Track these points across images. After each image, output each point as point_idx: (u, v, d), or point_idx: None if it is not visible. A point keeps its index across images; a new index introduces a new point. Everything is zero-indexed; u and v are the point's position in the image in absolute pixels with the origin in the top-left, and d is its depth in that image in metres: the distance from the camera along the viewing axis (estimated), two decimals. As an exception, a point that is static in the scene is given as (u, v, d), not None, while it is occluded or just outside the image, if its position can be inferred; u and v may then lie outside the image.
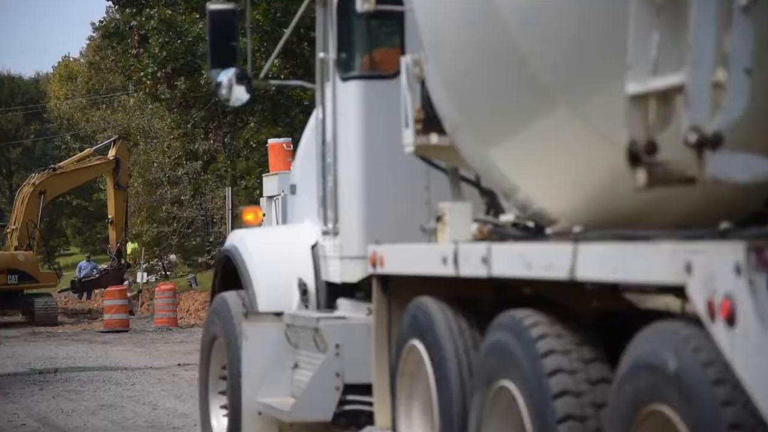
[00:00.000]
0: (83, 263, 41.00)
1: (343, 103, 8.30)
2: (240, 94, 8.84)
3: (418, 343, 6.52)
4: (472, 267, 5.74)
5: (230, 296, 9.39)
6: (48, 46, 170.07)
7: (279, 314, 8.73)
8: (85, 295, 40.63)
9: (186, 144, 35.66)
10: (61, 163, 37.05)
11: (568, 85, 5.06)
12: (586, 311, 5.47)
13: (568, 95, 5.07)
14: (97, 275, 37.00)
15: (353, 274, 8.16)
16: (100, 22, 40.00)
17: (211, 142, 35.37)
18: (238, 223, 41.42)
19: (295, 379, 8.52)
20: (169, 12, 32.44)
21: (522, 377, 5.21)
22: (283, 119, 31.91)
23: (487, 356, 5.65)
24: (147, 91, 34.01)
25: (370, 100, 8.14)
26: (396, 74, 7.56)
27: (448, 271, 6.02)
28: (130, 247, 41.40)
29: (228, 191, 32.05)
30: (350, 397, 7.95)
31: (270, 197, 20.60)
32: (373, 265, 7.03)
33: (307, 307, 8.73)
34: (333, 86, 8.40)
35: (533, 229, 6.01)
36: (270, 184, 20.89)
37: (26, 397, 16.21)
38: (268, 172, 21.80)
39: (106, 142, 37.72)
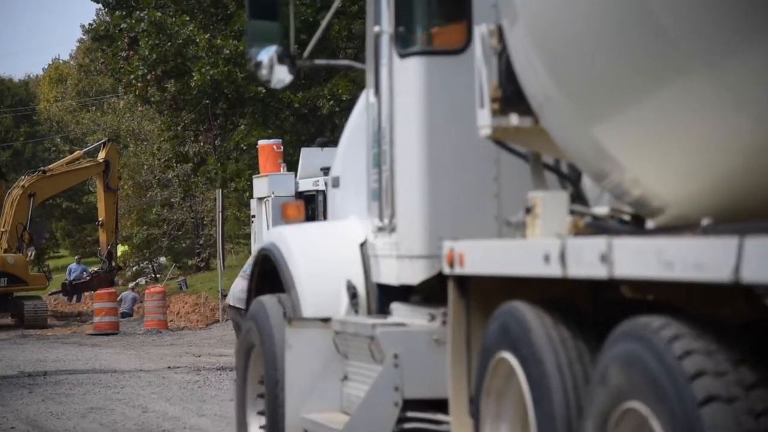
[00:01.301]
0: (73, 266, 40.92)
1: (402, 83, 7.32)
2: (282, 75, 8.03)
3: (509, 356, 5.60)
4: (586, 266, 4.84)
5: (269, 300, 8.42)
6: (38, 48, 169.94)
7: (326, 320, 7.77)
8: (75, 297, 40.58)
9: (176, 146, 35.60)
10: (50, 166, 36.99)
11: (710, 46, 4.26)
12: (731, 319, 4.62)
13: (709, 59, 4.28)
14: (88, 278, 36.94)
15: (413, 275, 7.20)
16: (90, 24, 39.95)
17: (201, 144, 35.33)
18: (228, 225, 41.49)
19: (345, 392, 7.67)
20: (159, 14, 32.40)
21: (660, 401, 4.31)
22: (273, 122, 31.88)
23: (608, 372, 4.70)
24: (137, 93, 33.96)
25: (432, 78, 7.15)
26: (461, 49, 7.02)
27: (551, 271, 5.08)
28: (121, 249, 41.34)
29: (218, 193, 32.01)
30: (411, 414, 7.03)
31: (260, 198, 20.67)
32: (450, 264, 6.08)
33: (357, 312, 7.82)
34: (389, 64, 7.44)
35: (634, 221, 5.34)
36: (260, 185, 20.97)
37: (15, 400, 16.15)
38: (258, 174, 21.89)
39: (95, 145, 37.67)
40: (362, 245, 7.94)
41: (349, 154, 8.56)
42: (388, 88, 7.43)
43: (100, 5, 37.19)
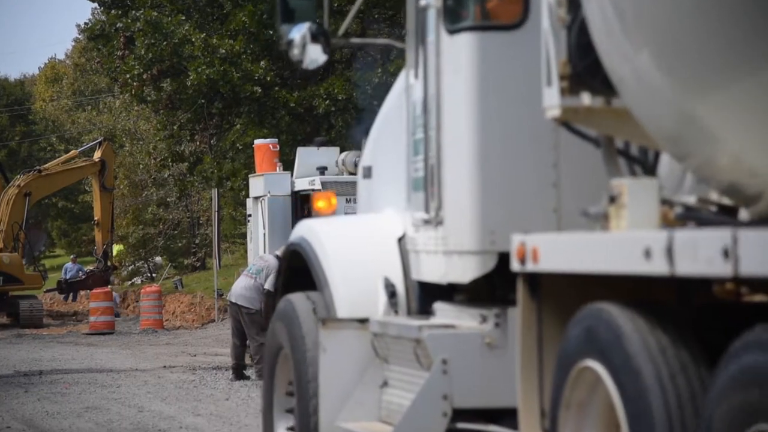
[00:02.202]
0: (69, 265, 40.90)
1: (450, 62, 6.61)
2: (315, 54, 7.42)
3: (595, 365, 4.97)
4: (702, 263, 4.25)
5: (298, 299, 7.77)
6: (33, 48, 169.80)
7: (363, 321, 7.18)
8: (70, 296, 40.56)
9: (172, 146, 35.54)
10: (46, 165, 36.96)
11: None
12: None
13: None
14: (83, 276, 36.92)
15: (463, 273, 6.49)
16: (86, 23, 39.91)
17: (197, 143, 35.29)
18: (224, 224, 41.49)
19: (384, 400, 7.08)
20: (155, 14, 32.36)
21: None
22: (269, 121, 31.87)
23: (732, 388, 4.14)
24: (133, 92, 33.89)
25: (485, 56, 6.43)
26: (517, 24, 6.45)
27: (653, 268, 4.48)
28: (116, 249, 41.31)
29: (214, 193, 32.01)
30: (461, 426, 6.46)
31: (256, 198, 20.67)
32: (521, 260, 5.46)
33: (396, 312, 7.19)
34: (437, 41, 6.72)
35: (724, 211, 4.88)
36: (256, 184, 20.97)
37: (11, 399, 16.15)
38: (254, 173, 21.88)
39: (91, 144, 37.64)
40: (400, 240, 7.33)
41: (382, 142, 7.91)
42: (435, 68, 6.72)
43: (95, 4, 37.15)
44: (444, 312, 6.81)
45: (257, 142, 22.02)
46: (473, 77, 6.47)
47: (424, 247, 6.93)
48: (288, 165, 20.51)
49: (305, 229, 8.06)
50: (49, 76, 74.83)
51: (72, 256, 44.15)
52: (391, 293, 7.20)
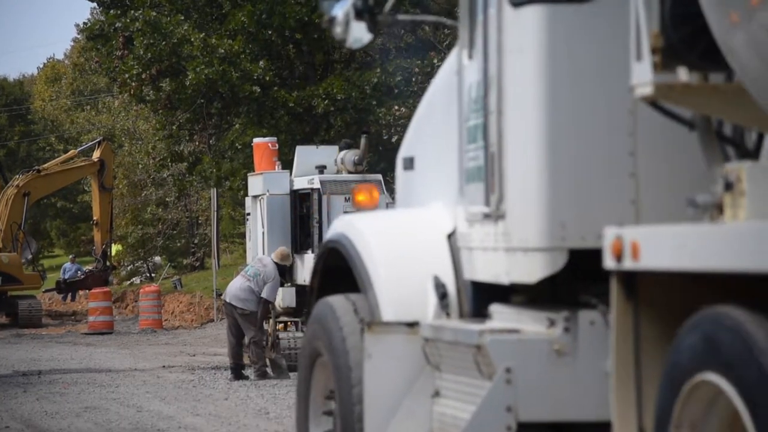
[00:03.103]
0: (67, 265, 40.89)
1: (514, 39, 5.93)
2: (359, 33, 6.82)
3: (717, 379, 4.39)
4: None
5: (338, 302, 7.09)
6: (32, 47, 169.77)
7: (412, 324, 6.53)
8: (69, 296, 40.55)
9: (171, 145, 35.53)
10: (45, 165, 36.95)
11: None
12: None
13: None
14: (82, 276, 36.94)
15: (529, 272, 5.82)
16: (85, 23, 39.88)
17: (196, 143, 35.28)
18: (222, 224, 41.50)
19: (436, 411, 6.44)
20: (154, 14, 32.35)
21: None
22: (268, 121, 31.86)
23: None
24: (131, 92, 33.88)
25: (555, 31, 5.76)
26: None
27: None
28: (115, 248, 41.31)
29: (213, 193, 32.02)
30: None
31: (255, 196, 20.66)
32: (617, 257, 4.90)
33: (448, 315, 6.56)
34: (498, 16, 6.06)
35: None
36: (255, 183, 20.96)
37: (9, 399, 16.13)
38: (253, 172, 21.87)
39: (90, 144, 37.62)
40: (450, 236, 6.70)
41: (426, 131, 7.25)
42: (496, 46, 6.04)
43: (94, 4, 37.13)
44: (502, 315, 6.16)
45: (256, 140, 22.00)
46: (541, 55, 5.77)
47: (480, 244, 6.25)
48: (287, 165, 20.50)
49: (345, 225, 7.31)
50: (48, 75, 74.82)
51: (71, 256, 44.13)
52: (442, 294, 6.55)
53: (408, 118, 27.69)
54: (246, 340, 17.89)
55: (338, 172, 19.45)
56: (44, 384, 17.94)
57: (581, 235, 5.58)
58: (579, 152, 5.77)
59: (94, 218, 35.45)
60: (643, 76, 4.93)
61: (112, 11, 34.72)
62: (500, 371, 5.75)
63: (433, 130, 7.12)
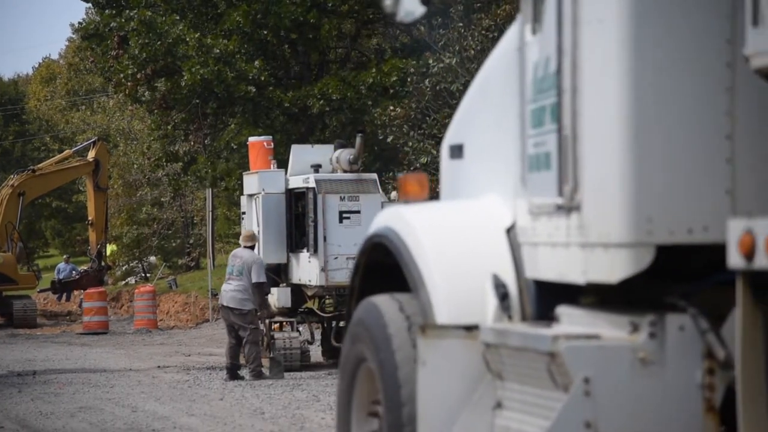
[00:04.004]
0: (62, 265, 40.85)
1: (594, 7, 5.30)
2: (411, 6, 6.43)
3: None
4: None
5: (384, 302, 6.43)
6: (27, 47, 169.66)
7: (471, 328, 5.93)
8: (64, 296, 40.52)
9: (166, 145, 35.53)
10: (40, 165, 36.91)
11: None
12: None
13: None
14: (77, 276, 36.91)
15: (611, 270, 5.18)
16: (80, 23, 39.83)
17: (192, 143, 35.27)
18: (218, 224, 41.46)
19: (498, 425, 5.86)
20: (149, 13, 32.33)
21: None
22: (263, 121, 31.85)
23: None
24: (127, 92, 33.87)
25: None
26: None
27: None
28: (110, 248, 41.27)
29: (208, 192, 31.97)
30: None
31: (250, 195, 20.64)
32: (747, 255, 4.37)
33: (510, 317, 5.95)
34: None
35: None
36: (250, 182, 20.94)
37: (4, 399, 16.11)
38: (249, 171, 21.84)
39: (85, 144, 37.59)
40: (509, 230, 6.09)
41: (478, 116, 6.61)
42: (570, 18, 5.40)
43: (89, 4, 37.10)
44: (572, 318, 5.53)
45: (251, 139, 21.98)
46: (624, 26, 5.08)
47: (547, 239, 5.63)
48: (282, 165, 20.48)
49: (392, 218, 6.57)
50: (43, 75, 74.77)
51: (65, 256, 44.07)
52: (503, 295, 5.93)
53: (403, 118, 27.76)
54: (244, 340, 17.89)
55: (333, 171, 19.43)
56: (39, 384, 17.91)
57: (670, 229, 4.99)
58: (668, 135, 5.11)
59: (89, 218, 35.41)
60: (761, 44, 4.31)
61: (107, 11, 34.69)
62: (578, 382, 5.12)
63: (486, 114, 6.45)
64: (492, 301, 5.94)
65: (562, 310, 5.58)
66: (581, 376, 5.10)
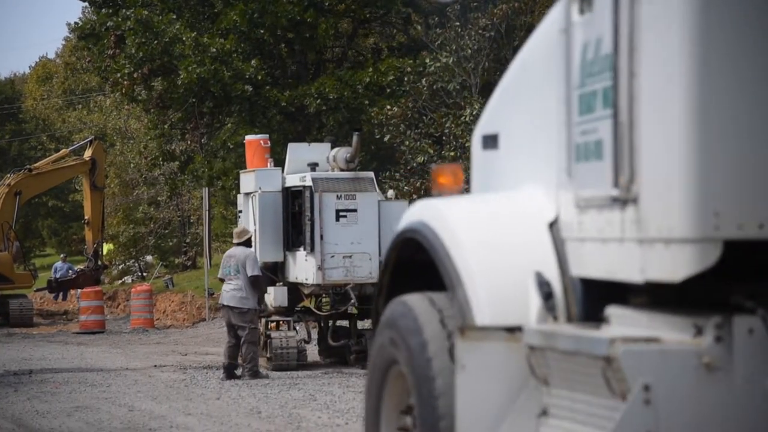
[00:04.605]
0: (59, 264, 40.82)
1: None
2: None
3: None
4: None
5: (417, 302, 6.01)
6: (23, 46, 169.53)
7: (513, 330, 5.53)
8: (60, 295, 40.48)
9: (163, 145, 35.53)
10: (36, 164, 36.88)
11: None
12: None
13: None
14: (74, 275, 36.89)
15: (674, 267, 4.73)
16: (76, 22, 39.82)
17: (188, 142, 35.27)
18: (214, 223, 41.45)
19: None
20: (146, 12, 32.33)
21: None
22: (260, 120, 31.83)
23: None
24: (123, 91, 33.87)
25: None
26: None
27: None
28: (106, 247, 41.25)
29: (205, 192, 31.95)
30: None
31: (247, 194, 20.62)
32: None
33: (555, 318, 5.53)
34: None
35: None
36: (247, 180, 20.91)
37: (0, 398, 16.08)
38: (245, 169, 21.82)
39: (82, 143, 37.56)
40: (552, 225, 5.69)
41: (515, 103, 6.18)
42: None
43: (86, 3, 37.09)
44: (624, 319, 5.11)
45: (248, 137, 21.95)
46: (691, 1, 4.63)
47: (597, 234, 5.22)
48: (279, 164, 20.46)
49: (426, 211, 6.14)
50: (39, 74, 74.75)
51: (62, 255, 44.05)
52: (547, 294, 5.52)
53: (400, 117, 27.77)
54: (241, 339, 17.87)
55: (330, 169, 19.41)
56: (35, 383, 17.88)
57: (738, 223, 4.56)
58: (738, 121, 4.64)
59: (86, 217, 35.39)
60: None
61: (103, 10, 34.69)
62: (637, 389, 4.71)
63: (524, 102, 6.03)
64: (535, 301, 5.53)
65: (613, 311, 5.17)
66: (640, 382, 4.70)
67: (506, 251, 5.69)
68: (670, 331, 4.83)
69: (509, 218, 5.82)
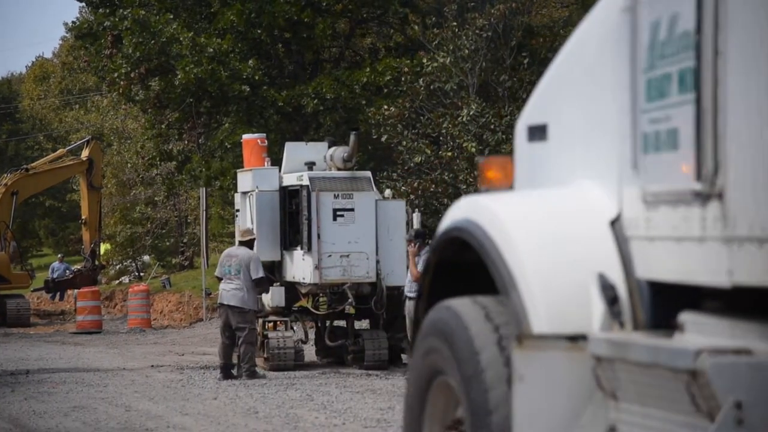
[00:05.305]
0: (56, 264, 40.80)
1: None
2: None
3: None
4: None
5: (463, 306, 5.51)
6: (20, 46, 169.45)
7: (576, 338, 5.01)
8: (57, 296, 40.45)
9: (160, 144, 35.51)
10: (33, 164, 36.87)
11: None
12: None
13: None
14: (71, 276, 36.88)
15: (765, 269, 4.25)
16: (74, 22, 39.80)
17: (186, 142, 35.26)
18: (212, 223, 41.44)
19: None
20: (143, 12, 32.32)
21: None
22: (257, 120, 31.82)
23: None
24: (120, 91, 33.85)
25: None
26: None
27: None
28: (103, 247, 41.23)
29: (202, 192, 31.94)
30: None
31: (244, 193, 20.61)
32: None
33: (622, 325, 4.98)
34: None
35: None
36: (244, 179, 20.90)
37: (-3, 398, 16.07)
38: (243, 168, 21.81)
39: (79, 143, 37.54)
40: (613, 222, 5.18)
41: (566, 91, 5.70)
42: None
43: (83, 3, 37.07)
44: (702, 327, 4.58)
45: (245, 136, 21.93)
46: None
47: (672, 232, 4.68)
48: (276, 164, 20.44)
49: (473, 209, 5.62)
50: (36, 74, 74.71)
51: (59, 255, 44.03)
52: (612, 299, 5.00)
53: (397, 117, 27.76)
54: (239, 339, 17.86)
55: (327, 168, 19.41)
56: (32, 383, 17.87)
57: None
58: None
59: (83, 217, 35.38)
60: None
61: (100, 10, 34.67)
62: (727, 407, 4.20)
63: (578, 89, 5.54)
64: (598, 306, 5.02)
65: (688, 318, 4.64)
66: (731, 400, 4.17)
67: (564, 251, 5.19)
68: (759, 341, 4.32)
69: (566, 216, 5.33)
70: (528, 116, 5.95)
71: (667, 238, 4.70)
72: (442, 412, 5.73)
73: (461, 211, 5.71)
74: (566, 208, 5.34)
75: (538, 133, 5.84)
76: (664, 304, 4.86)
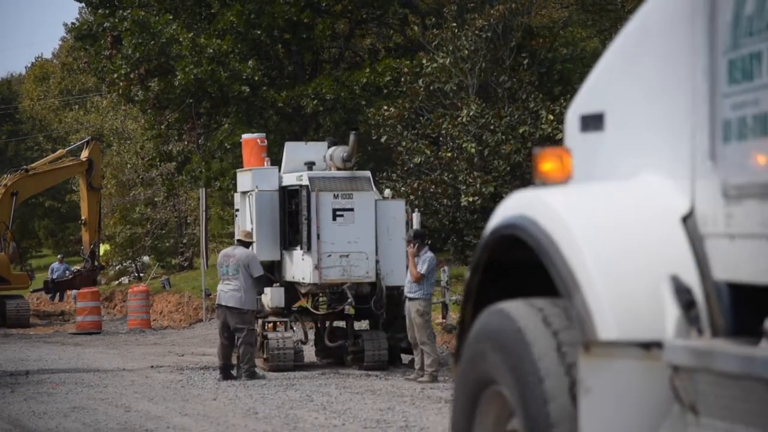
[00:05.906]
0: (55, 265, 40.77)
1: None
2: None
3: None
4: None
5: (518, 310, 5.05)
6: (20, 47, 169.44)
7: (649, 346, 4.53)
8: (57, 296, 40.43)
9: (159, 145, 35.49)
10: (33, 164, 36.85)
11: None
12: None
13: None
14: (70, 276, 36.86)
15: None
16: (73, 23, 39.79)
17: (185, 143, 35.24)
18: (211, 224, 41.44)
19: None
20: (143, 13, 32.31)
21: None
22: (257, 121, 31.82)
23: None
24: (120, 92, 33.85)
25: None
26: None
27: None
28: (103, 248, 41.22)
29: (202, 192, 31.94)
30: None
31: (244, 192, 20.61)
32: None
33: (700, 331, 4.50)
34: None
35: None
36: (244, 179, 20.90)
37: (-3, 399, 16.07)
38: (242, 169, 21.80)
39: (79, 143, 37.53)
40: (686, 219, 4.71)
41: (626, 76, 5.21)
42: None
43: (83, 4, 37.06)
44: None
45: (245, 136, 21.93)
46: None
47: (758, 229, 4.24)
48: (276, 164, 20.44)
49: (529, 204, 5.15)
50: (36, 75, 74.71)
51: (59, 256, 44.01)
52: (688, 303, 4.54)
53: (397, 118, 27.76)
54: (238, 340, 17.85)
55: (327, 168, 19.40)
56: (32, 384, 17.86)
57: None
58: None
59: (83, 218, 35.36)
60: None
61: (100, 11, 34.66)
62: None
63: (641, 73, 5.06)
64: (672, 311, 4.56)
65: None
66: None
67: (633, 251, 4.71)
68: None
69: (633, 212, 4.84)
70: (581, 105, 5.53)
71: (754, 236, 4.24)
72: (494, 424, 5.29)
73: (514, 207, 5.26)
74: (631, 203, 4.87)
75: (593, 122, 5.41)
76: (746, 308, 4.45)
